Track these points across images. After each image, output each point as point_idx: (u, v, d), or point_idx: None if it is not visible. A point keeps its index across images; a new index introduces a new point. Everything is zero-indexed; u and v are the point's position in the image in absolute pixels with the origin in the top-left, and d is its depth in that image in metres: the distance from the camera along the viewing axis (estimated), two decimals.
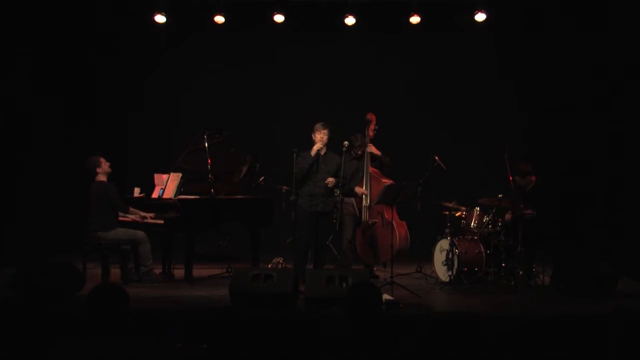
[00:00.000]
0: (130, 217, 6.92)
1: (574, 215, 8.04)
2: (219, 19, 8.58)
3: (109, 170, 6.88)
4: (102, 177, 6.83)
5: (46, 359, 3.20)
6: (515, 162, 7.05)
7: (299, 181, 6.86)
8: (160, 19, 8.49)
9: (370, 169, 7.34)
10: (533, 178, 7.14)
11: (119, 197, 6.85)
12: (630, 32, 7.79)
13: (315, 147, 6.77)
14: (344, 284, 5.63)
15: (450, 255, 6.98)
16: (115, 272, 6.83)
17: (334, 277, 5.71)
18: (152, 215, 6.92)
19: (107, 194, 6.75)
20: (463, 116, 9.34)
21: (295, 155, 6.74)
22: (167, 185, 7.10)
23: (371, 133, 7.44)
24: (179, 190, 7.01)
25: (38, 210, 8.36)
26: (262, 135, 9.11)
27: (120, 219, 6.90)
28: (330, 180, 6.74)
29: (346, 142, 6.88)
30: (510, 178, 6.89)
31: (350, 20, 8.56)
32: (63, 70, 8.92)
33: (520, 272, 6.74)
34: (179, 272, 7.11)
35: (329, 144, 6.88)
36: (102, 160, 6.85)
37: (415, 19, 8.47)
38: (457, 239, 7.05)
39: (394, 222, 6.90)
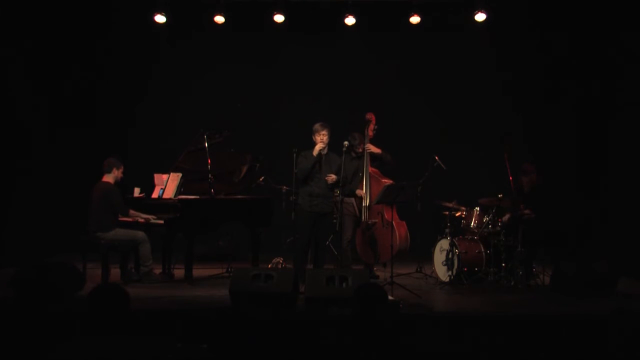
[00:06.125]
0: (132, 219, 6.92)
1: (573, 216, 8.04)
2: (219, 19, 8.58)
3: (120, 179, 6.91)
4: (109, 179, 6.84)
5: (46, 359, 3.20)
6: (515, 163, 7.05)
7: (301, 181, 6.84)
8: (160, 19, 8.49)
9: (370, 169, 7.32)
10: (535, 178, 7.14)
11: (121, 201, 6.85)
12: (630, 31, 7.80)
13: (317, 148, 6.74)
14: (344, 284, 5.64)
15: (450, 255, 6.98)
16: (115, 272, 6.84)
17: (334, 277, 5.70)
18: (154, 217, 6.90)
19: (110, 196, 6.75)
20: (463, 116, 9.33)
21: (295, 154, 6.74)
22: (167, 185, 7.10)
23: (371, 133, 7.43)
24: (179, 190, 7.00)
25: (38, 210, 8.35)
26: (262, 135, 9.10)
27: (120, 219, 6.89)
28: (332, 176, 6.72)
29: (346, 142, 6.87)
30: (510, 178, 6.89)
31: (350, 20, 8.56)
32: (62, 70, 8.91)
33: (520, 272, 6.74)
34: (179, 272, 7.11)
35: (329, 145, 6.86)
36: (122, 167, 6.89)
37: (415, 19, 8.47)
38: (457, 239, 7.05)
39: (394, 222, 6.89)
